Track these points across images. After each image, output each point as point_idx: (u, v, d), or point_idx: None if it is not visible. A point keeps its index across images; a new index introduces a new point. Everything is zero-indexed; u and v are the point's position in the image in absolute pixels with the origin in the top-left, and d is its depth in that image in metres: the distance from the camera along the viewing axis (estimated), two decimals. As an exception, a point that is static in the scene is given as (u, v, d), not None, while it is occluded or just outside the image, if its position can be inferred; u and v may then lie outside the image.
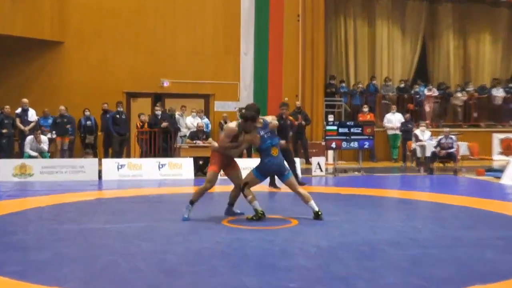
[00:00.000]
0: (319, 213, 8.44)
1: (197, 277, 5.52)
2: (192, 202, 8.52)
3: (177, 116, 18.67)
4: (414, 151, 17.67)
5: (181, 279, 5.48)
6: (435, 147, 16.58)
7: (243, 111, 8.81)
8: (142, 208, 9.83)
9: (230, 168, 8.71)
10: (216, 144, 8.68)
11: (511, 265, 5.98)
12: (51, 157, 16.11)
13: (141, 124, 17.65)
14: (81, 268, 5.82)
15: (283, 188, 10.66)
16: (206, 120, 18.64)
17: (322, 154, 18.05)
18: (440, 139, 16.68)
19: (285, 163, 8.94)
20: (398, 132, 20.00)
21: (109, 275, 5.58)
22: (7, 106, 16.84)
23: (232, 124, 8.62)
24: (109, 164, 15.33)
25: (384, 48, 23.47)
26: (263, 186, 11.04)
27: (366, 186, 13.36)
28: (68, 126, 17.38)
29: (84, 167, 14.93)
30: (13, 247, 6.73)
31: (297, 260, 6.15)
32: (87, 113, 18.29)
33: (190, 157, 15.65)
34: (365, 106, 20.48)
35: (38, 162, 14.94)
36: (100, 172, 15.02)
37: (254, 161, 10.92)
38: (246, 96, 20.95)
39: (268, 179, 11.99)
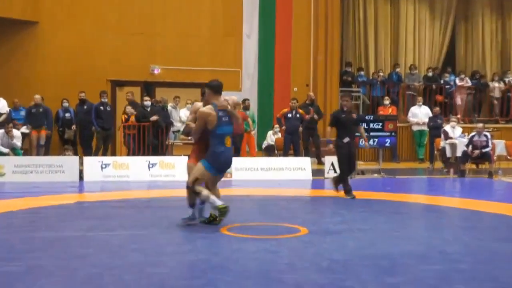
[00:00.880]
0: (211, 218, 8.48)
1: (192, 293, 5.56)
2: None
3: (169, 108, 18.66)
4: (443, 150, 17.66)
5: (173, 296, 5.51)
6: (467, 145, 16.56)
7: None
8: (129, 213, 9.86)
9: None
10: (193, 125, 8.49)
11: (554, 282, 5.99)
12: (25, 154, 16.15)
13: (126, 117, 17.60)
14: (59, 282, 5.83)
15: (296, 192, 10.66)
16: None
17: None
18: (473, 137, 16.65)
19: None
20: (425, 128, 19.99)
21: (90, 291, 5.61)
22: (-27, 95, 16.84)
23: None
24: (92, 163, 15.36)
25: (409, 31, 23.47)
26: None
27: (386, 190, 13.36)
28: (44, 117, 17.35)
29: (63, 166, 14.97)
30: (-20, 258, 6.75)
31: (306, 274, 6.16)
32: (66, 104, 18.29)
33: (185, 155, 15.67)
34: (387, 98, 20.47)
35: (10, 160, 14.98)
36: (81, 172, 15.05)
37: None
38: (250, 86, 20.97)
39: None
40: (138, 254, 6.90)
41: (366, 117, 16.47)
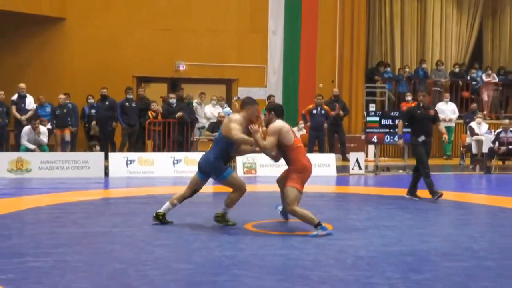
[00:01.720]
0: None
1: (217, 289, 5.58)
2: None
3: (194, 104, 18.70)
4: (469, 147, 17.54)
5: (198, 292, 5.54)
6: (493, 142, 16.45)
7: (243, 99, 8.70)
8: (154, 209, 9.91)
9: None
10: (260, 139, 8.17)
11: None
12: (51, 150, 16.26)
13: (153, 114, 17.67)
14: (85, 277, 5.88)
15: (321, 188, 10.60)
16: (227, 109, 18.60)
17: (361, 150, 18.03)
18: (499, 133, 16.54)
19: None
20: (451, 124, 19.88)
21: (116, 286, 5.65)
22: (1, 92, 16.84)
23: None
24: (117, 159, 15.43)
25: (436, 26, 23.28)
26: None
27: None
28: (69, 118, 17.40)
29: (88, 162, 15.05)
30: (7, 253, 6.80)
31: (331, 271, 6.16)
32: (91, 100, 18.44)
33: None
34: (408, 93, 20.30)
35: (37, 156, 15.09)
36: (106, 168, 15.15)
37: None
38: (275, 82, 20.94)
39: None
40: (163, 250, 6.94)
41: (392, 113, 16.37)
